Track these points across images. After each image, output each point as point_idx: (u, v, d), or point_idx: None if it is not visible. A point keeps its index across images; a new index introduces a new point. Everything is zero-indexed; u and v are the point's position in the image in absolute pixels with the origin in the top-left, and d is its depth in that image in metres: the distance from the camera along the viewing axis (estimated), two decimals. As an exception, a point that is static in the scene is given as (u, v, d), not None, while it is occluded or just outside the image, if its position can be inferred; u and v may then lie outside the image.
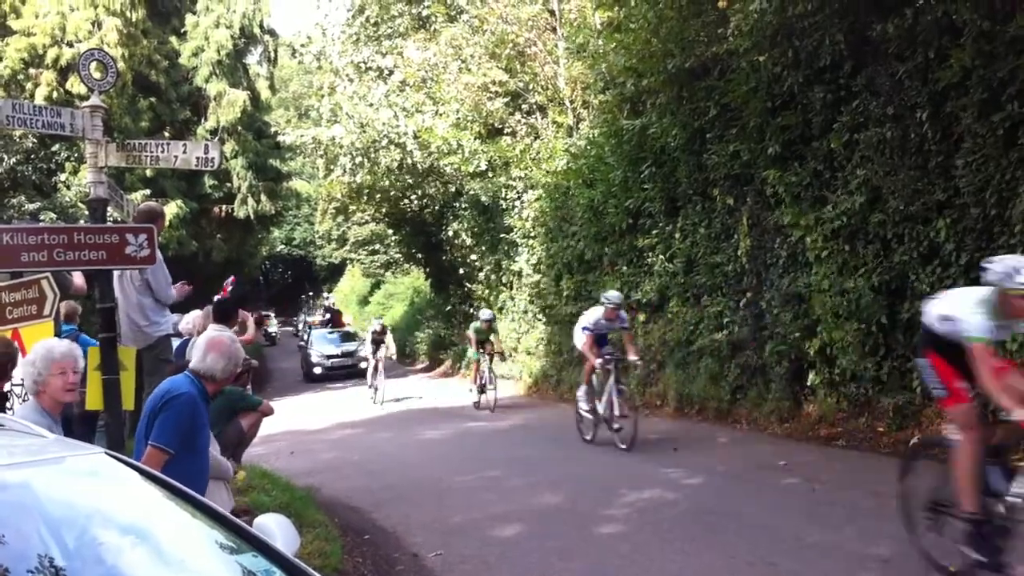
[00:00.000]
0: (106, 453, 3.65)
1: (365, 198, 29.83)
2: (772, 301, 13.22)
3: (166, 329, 8.67)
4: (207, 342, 5.56)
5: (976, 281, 9.71)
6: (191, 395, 5.32)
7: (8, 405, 6.77)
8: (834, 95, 11.92)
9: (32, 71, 28.01)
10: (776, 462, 10.63)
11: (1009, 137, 9.30)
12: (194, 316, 9.83)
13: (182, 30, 35.35)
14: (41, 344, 5.59)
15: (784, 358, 12.95)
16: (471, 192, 25.12)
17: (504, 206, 23.77)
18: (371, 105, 25.71)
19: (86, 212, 11.53)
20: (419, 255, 34.73)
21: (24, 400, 6.82)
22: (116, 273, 7.68)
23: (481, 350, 19.78)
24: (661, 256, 16.19)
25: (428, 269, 34.55)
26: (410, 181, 27.19)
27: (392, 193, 28.22)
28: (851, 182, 11.54)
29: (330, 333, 37.06)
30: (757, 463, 10.76)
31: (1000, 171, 9.39)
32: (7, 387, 6.65)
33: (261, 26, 38.09)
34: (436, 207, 28.78)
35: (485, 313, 20.40)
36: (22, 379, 6.59)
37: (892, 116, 10.84)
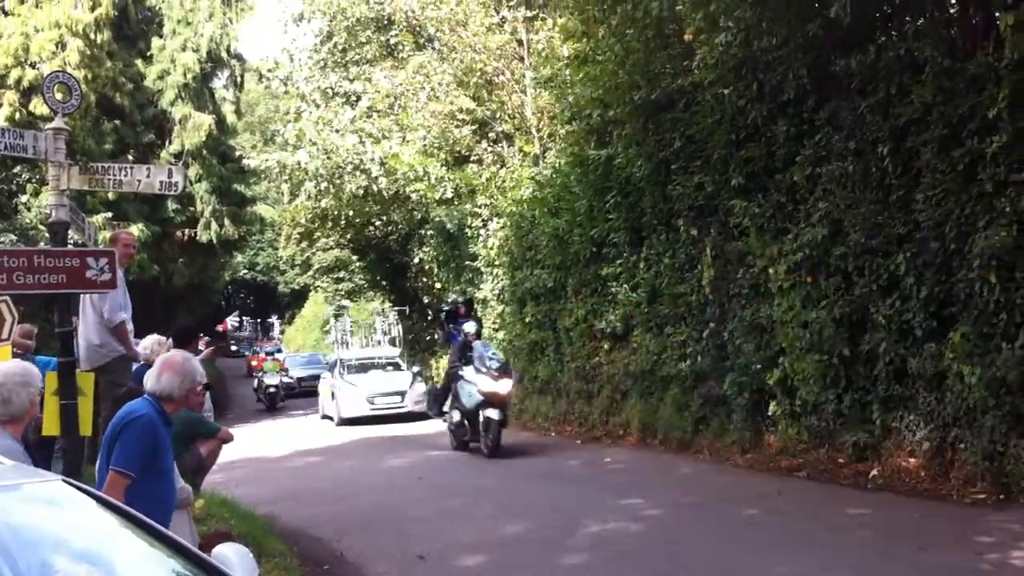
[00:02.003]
0: (63, 480, 3.62)
1: (330, 224, 29.76)
2: (735, 332, 13.29)
3: (120, 350, 8.60)
4: (160, 363, 5.54)
5: (935, 315, 9.88)
6: (149, 417, 5.26)
7: None
8: (797, 128, 12.03)
9: (-6, 91, 27.78)
10: (738, 492, 10.67)
11: (969, 172, 9.42)
12: (151, 341, 9.72)
13: (148, 53, 35.20)
14: (19, 368, 5.49)
15: (746, 389, 13.00)
16: (437, 219, 25.12)
17: (469, 234, 23.78)
18: (337, 131, 25.70)
19: (47, 235, 11.40)
20: (383, 282, 34.66)
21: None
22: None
23: None
24: (625, 285, 16.22)
25: (392, 296, 34.49)
26: (376, 207, 27.16)
27: (357, 219, 28.17)
28: (813, 215, 11.63)
29: None
30: (719, 494, 10.78)
31: (960, 206, 9.50)
32: None
33: (228, 50, 37.99)
34: (401, 234, 28.76)
35: None
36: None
37: (854, 150, 10.96)
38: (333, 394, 25.18)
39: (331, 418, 25.55)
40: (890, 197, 10.54)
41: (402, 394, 24.45)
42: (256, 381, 35.90)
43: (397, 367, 26.49)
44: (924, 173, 10.00)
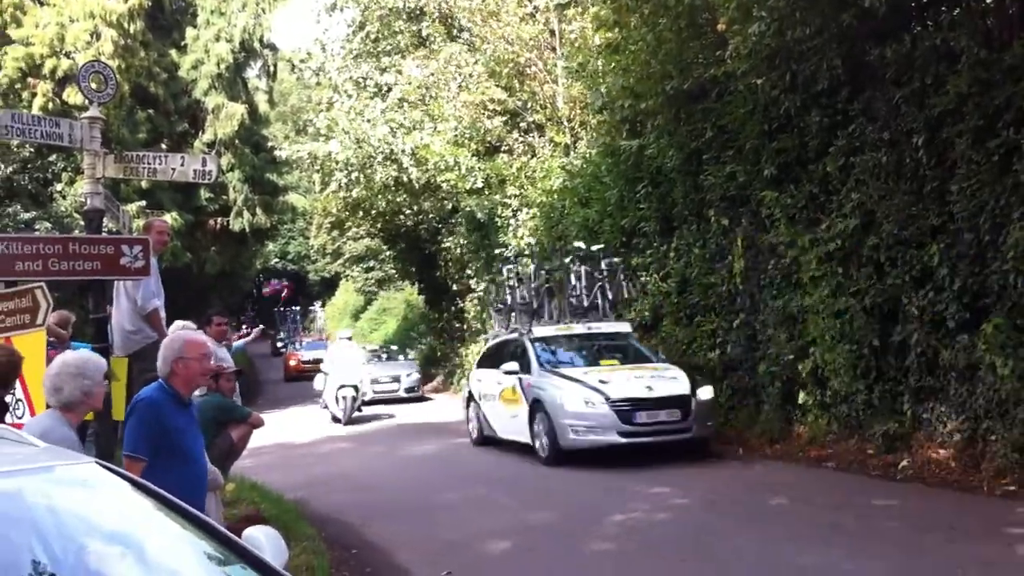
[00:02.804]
0: (96, 463, 3.66)
1: (361, 213, 29.84)
2: (765, 322, 13.25)
3: (153, 336, 8.68)
4: None
5: (968, 306, 9.81)
6: (150, 398, 5.35)
7: (20, 415, 6.72)
8: (831, 119, 11.98)
9: (30, 81, 28.02)
10: (766, 482, 10.65)
11: (1004, 164, 9.35)
12: (178, 327, 9.81)
13: (182, 43, 35.33)
14: (89, 358, 5.57)
15: (776, 379, 12.97)
16: (467, 209, 25.14)
17: (499, 223, 23.79)
18: (368, 121, 25.74)
19: (81, 222, 11.49)
20: (413, 271, 34.72)
21: (15, 414, 6.77)
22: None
23: None
24: (655, 275, 16.20)
25: (422, 285, 34.54)
26: (406, 197, 27.20)
27: (388, 209, 28.22)
28: (846, 205, 11.59)
29: None
30: (748, 484, 10.77)
31: (994, 197, 9.43)
32: (8, 398, 6.59)
33: (261, 40, 38.03)
34: (431, 223, 28.81)
35: None
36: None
37: (888, 141, 10.90)
38: (537, 402, 13.51)
39: (505, 442, 15.03)
40: (924, 188, 10.48)
41: (684, 406, 12.80)
42: (320, 382, 22.66)
43: (642, 355, 14.54)
44: (959, 164, 9.93)
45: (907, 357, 10.74)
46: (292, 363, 38.60)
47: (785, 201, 12.65)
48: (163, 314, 8.79)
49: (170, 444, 5.21)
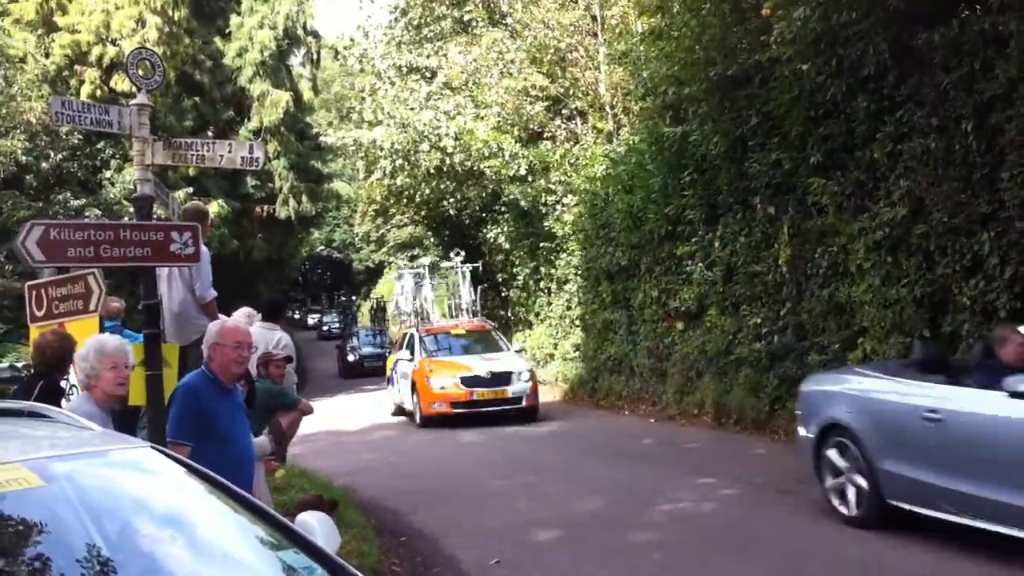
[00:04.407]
0: (151, 447, 3.71)
1: (405, 200, 29.92)
2: (813, 311, 13.14)
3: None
4: None
5: (1020, 296, 9.67)
6: (187, 384, 5.51)
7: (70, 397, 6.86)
8: (878, 105, 11.83)
9: (77, 68, 28.40)
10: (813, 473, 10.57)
11: (1056, 150, 9.21)
12: (240, 314, 9.89)
13: (227, 30, 35.65)
14: (94, 339, 5.69)
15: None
16: (511, 196, 25.13)
17: (543, 211, 23.77)
18: (412, 109, 25.79)
19: (130, 209, 11.62)
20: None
21: (70, 395, 6.91)
22: (164, 269, 7.78)
23: None
24: (700, 264, 16.12)
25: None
26: (450, 184, 27.22)
27: (431, 196, 28.28)
28: (894, 193, 11.45)
29: None
30: (795, 475, 10.68)
31: (1046, 184, 9.30)
32: (63, 383, 6.73)
33: (304, 27, 38.32)
34: (475, 211, 28.83)
35: None
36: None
37: (936, 127, 10.75)
38: None
39: None
40: (973, 175, 10.33)
41: None
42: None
43: None
44: (1009, 150, 9.78)
45: (958, 347, 10.62)
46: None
47: (832, 188, 12.52)
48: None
49: (210, 427, 5.31)
